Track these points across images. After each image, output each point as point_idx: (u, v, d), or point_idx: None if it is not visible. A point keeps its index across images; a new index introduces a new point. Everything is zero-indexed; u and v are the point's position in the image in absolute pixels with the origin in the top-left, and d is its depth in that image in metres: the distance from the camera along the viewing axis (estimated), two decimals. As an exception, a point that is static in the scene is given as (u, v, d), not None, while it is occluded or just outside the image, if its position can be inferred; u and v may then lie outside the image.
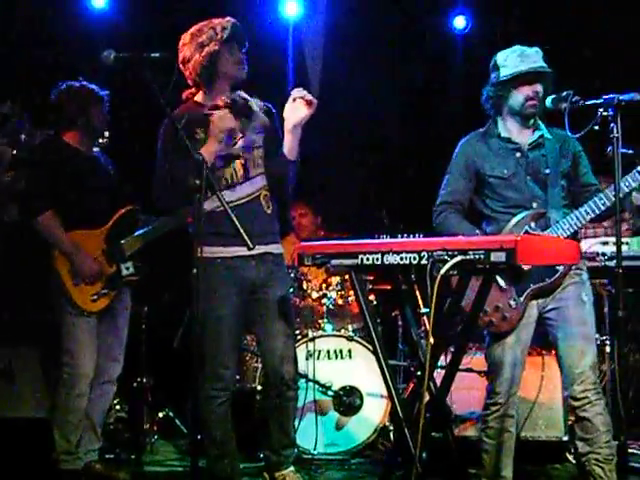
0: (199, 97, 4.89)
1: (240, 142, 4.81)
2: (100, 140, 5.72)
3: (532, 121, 4.76)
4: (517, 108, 4.71)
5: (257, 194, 4.84)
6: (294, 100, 4.76)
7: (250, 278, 4.79)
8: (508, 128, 4.79)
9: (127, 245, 5.46)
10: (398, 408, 3.91)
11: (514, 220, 4.62)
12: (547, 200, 4.68)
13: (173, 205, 4.78)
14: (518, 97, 4.68)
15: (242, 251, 4.47)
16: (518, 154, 4.74)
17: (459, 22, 8.71)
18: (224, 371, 4.77)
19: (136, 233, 5.52)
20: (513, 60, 4.67)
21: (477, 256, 3.43)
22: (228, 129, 4.69)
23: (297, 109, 4.75)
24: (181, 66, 4.79)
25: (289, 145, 4.82)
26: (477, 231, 4.69)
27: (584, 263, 4.82)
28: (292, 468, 4.96)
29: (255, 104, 4.90)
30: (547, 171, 4.71)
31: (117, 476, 5.52)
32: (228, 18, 4.81)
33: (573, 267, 4.65)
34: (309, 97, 4.74)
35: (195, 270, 3.92)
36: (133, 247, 5.47)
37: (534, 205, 4.67)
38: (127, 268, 5.44)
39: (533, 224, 4.60)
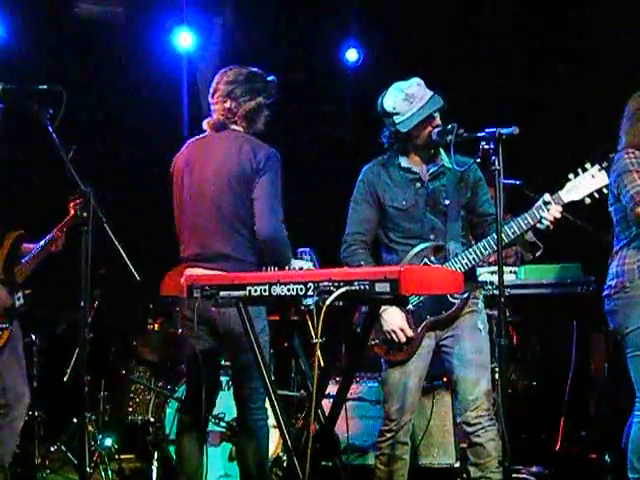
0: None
1: None
2: None
3: (433, 151, 4.76)
4: (423, 145, 4.71)
5: None
6: None
7: None
8: (409, 159, 4.79)
9: (18, 274, 5.37)
10: (287, 438, 3.93)
11: (413, 251, 4.65)
12: (446, 232, 4.71)
13: (282, 248, 4.73)
14: (422, 138, 4.67)
15: None
16: (418, 184, 4.74)
17: (351, 55, 8.85)
18: None
19: (23, 260, 5.41)
20: (402, 105, 4.64)
21: (362, 287, 3.47)
22: None
23: None
24: (218, 97, 4.90)
25: None
26: None
27: (480, 292, 4.86)
28: None
29: None
30: (447, 202, 4.72)
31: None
32: (274, 77, 4.98)
33: (470, 297, 4.72)
34: None
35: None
36: (22, 276, 5.37)
37: (432, 237, 4.69)
38: (19, 298, 5.32)
39: (433, 257, 4.63)
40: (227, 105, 4.86)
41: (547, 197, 4.54)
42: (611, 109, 5.02)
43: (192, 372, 4.91)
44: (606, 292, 4.85)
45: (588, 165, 4.58)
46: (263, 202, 4.68)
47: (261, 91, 4.88)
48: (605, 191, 4.59)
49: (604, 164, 4.59)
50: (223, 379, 6.16)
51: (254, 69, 4.94)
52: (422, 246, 4.66)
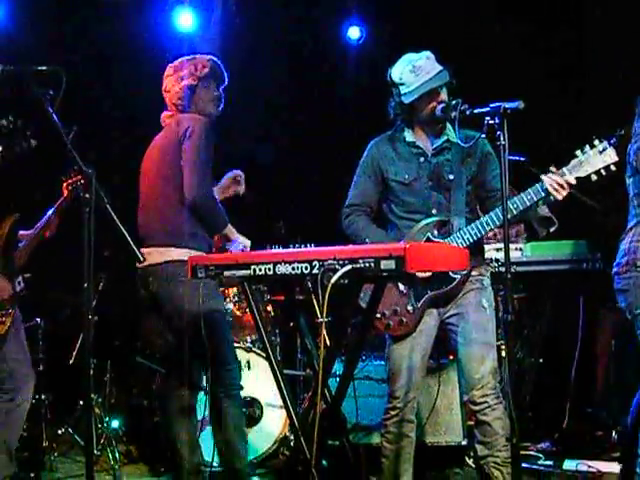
0: None
1: None
2: None
3: (439, 126, 4.73)
4: (427, 120, 4.69)
5: None
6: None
7: None
8: (415, 134, 4.77)
9: (16, 259, 5.33)
10: (293, 417, 3.92)
11: (418, 226, 4.63)
12: (449, 207, 4.67)
13: (210, 208, 4.90)
14: (426, 112, 4.65)
15: None
16: (422, 159, 4.72)
17: (354, 33, 8.81)
18: None
19: (20, 245, 5.38)
20: (408, 77, 4.62)
21: (367, 264, 3.45)
22: None
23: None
24: (164, 93, 5.17)
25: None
26: (385, 234, 4.72)
27: (486, 269, 4.84)
28: None
29: None
30: (451, 177, 4.69)
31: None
32: (210, 57, 5.16)
33: (474, 273, 4.69)
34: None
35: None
36: (20, 261, 5.34)
37: (434, 212, 4.67)
38: (19, 283, 5.29)
39: (436, 232, 4.61)
40: (168, 100, 5.18)
41: (552, 171, 4.48)
42: (618, 87, 4.96)
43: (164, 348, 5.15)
44: (616, 269, 4.71)
45: (597, 142, 4.47)
46: (187, 167, 4.81)
47: (187, 76, 5.06)
48: (613, 168, 4.50)
49: (612, 141, 4.51)
50: (242, 359, 6.17)
51: (186, 57, 5.17)
52: (426, 221, 4.64)
